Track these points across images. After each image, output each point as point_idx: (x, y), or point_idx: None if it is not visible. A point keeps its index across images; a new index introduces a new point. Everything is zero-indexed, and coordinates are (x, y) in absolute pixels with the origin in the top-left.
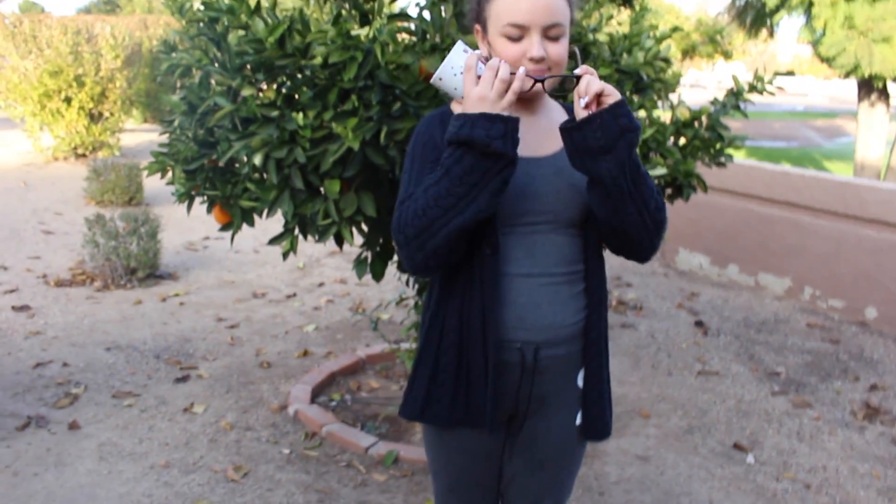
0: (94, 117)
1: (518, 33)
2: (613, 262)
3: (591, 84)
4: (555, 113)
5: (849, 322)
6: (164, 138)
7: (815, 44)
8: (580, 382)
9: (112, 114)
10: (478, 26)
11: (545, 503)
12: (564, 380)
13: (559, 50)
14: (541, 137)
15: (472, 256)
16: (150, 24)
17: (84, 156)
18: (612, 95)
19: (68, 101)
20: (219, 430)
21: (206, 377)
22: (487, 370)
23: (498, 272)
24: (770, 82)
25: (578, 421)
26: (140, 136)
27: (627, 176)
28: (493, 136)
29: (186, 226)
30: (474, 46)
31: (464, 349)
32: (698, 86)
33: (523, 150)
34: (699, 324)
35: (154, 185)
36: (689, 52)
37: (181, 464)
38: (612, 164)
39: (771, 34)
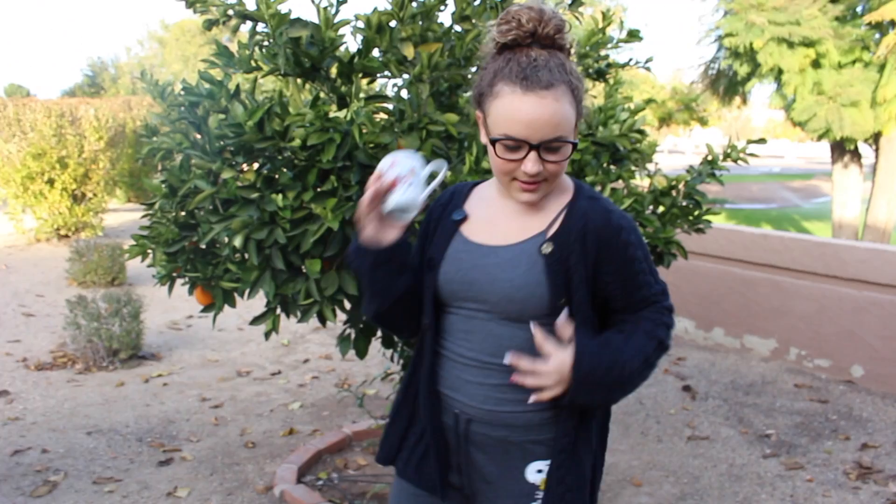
0: (77, 198)
1: (514, 145)
2: None
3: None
4: (549, 199)
5: (836, 381)
6: (146, 222)
7: (787, 109)
8: (530, 477)
9: (95, 194)
10: (479, 113)
11: None
12: (507, 466)
13: (558, 161)
14: (506, 225)
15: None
16: (133, 105)
17: (67, 237)
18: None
19: (51, 182)
20: None
21: (189, 459)
22: (433, 431)
23: (438, 346)
24: (744, 150)
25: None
26: (123, 215)
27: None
28: (352, 245)
29: (169, 305)
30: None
31: (421, 408)
32: (676, 151)
33: (479, 234)
34: (687, 388)
35: (137, 265)
36: (665, 120)
37: None
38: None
39: (744, 101)
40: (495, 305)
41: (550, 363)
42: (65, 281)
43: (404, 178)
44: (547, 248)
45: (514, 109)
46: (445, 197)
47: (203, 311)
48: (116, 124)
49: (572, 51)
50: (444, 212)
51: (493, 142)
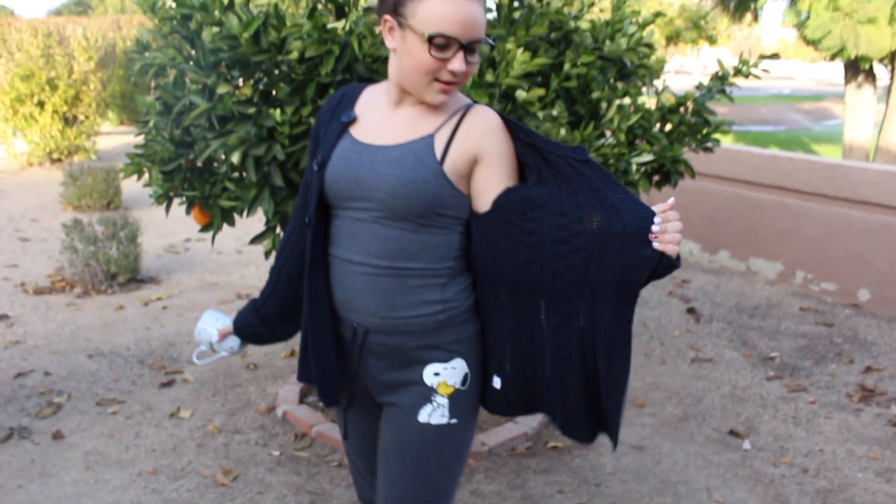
0: (68, 121)
1: (445, 43)
2: None
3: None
4: (437, 108)
5: (842, 305)
6: (141, 140)
7: (800, 27)
8: (427, 380)
9: (87, 117)
10: (389, 18)
11: (395, 497)
12: (405, 371)
13: (475, 63)
14: (396, 127)
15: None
16: (123, 24)
17: (59, 160)
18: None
19: (41, 105)
20: (206, 435)
21: (191, 381)
22: (322, 339)
23: (326, 251)
24: (755, 65)
25: (423, 418)
26: (116, 138)
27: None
28: None
29: (167, 228)
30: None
31: (308, 318)
32: (683, 72)
33: (368, 135)
34: (691, 311)
35: (132, 188)
36: (673, 39)
37: (169, 470)
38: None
39: (755, 18)
40: (381, 203)
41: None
42: (59, 205)
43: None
44: (435, 147)
45: (450, 9)
46: (336, 99)
47: (201, 230)
48: (106, 44)
49: None
50: (333, 114)
51: (429, 39)
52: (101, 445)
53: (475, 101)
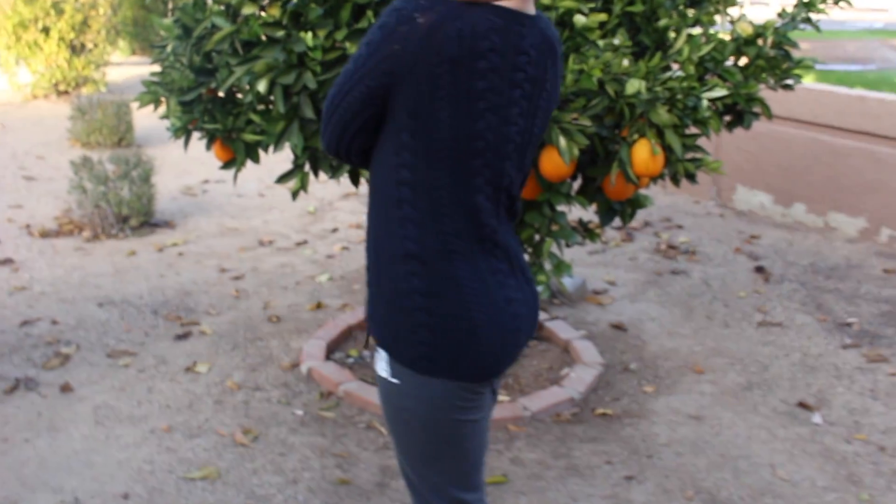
0: (75, 49)
1: None
2: (661, 202)
3: None
4: None
5: None
6: (155, 68)
7: None
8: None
9: (96, 45)
10: None
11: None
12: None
13: None
14: None
15: None
16: None
17: (66, 93)
18: None
19: (46, 31)
20: (225, 391)
21: (209, 333)
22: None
23: None
24: None
25: (379, 369)
26: (128, 69)
27: None
28: None
29: (183, 168)
30: None
31: None
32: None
33: None
34: (760, 270)
35: (146, 123)
36: None
37: (184, 427)
38: None
39: None
40: None
41: None
42: (67, 141)
43: None
44: None
45: None
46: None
47: (222, 168)
48: None
49: None
50: None
51: None
52: (111, 400)
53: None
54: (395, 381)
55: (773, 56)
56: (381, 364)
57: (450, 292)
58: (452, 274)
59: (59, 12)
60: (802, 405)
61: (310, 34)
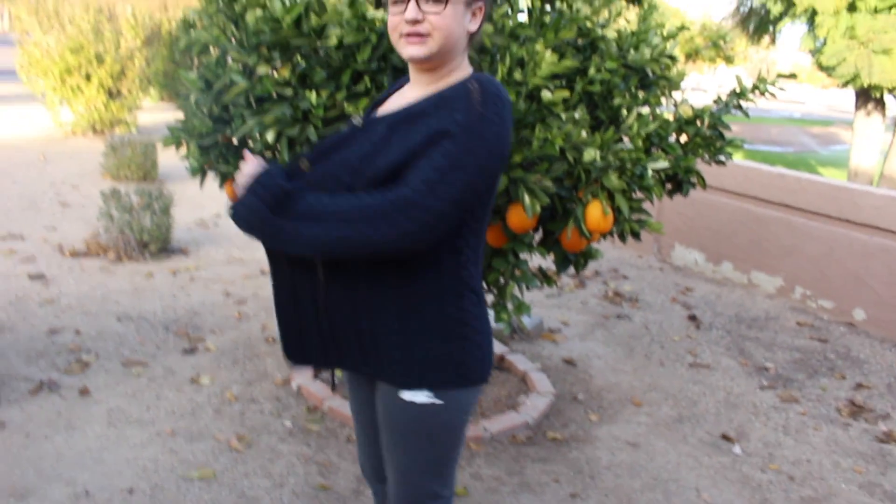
0: (112, 94)
1: None
2: (611, 255)
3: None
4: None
5: (837, 322)
6: (180, 115)
7: (816, 52)
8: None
9: (130, 91)
10: None
11: (390, 470)
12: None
13: (437, 11)
14: (395, 105)
15: None
16: (169, 6)
17: (102, 132)
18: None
19: (88, 77)
20: (223, 401)
21: (213, 350)
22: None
23: None
24: (773, 83)
25: (408, 396)
26: (156, 114)
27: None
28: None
29: (198, 203)
30: None
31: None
32: (699, 89)
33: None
34: (692, 318)
35: (168, 162)
36: (692, 56)
37: (186, 432)
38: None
39: (773, 41)
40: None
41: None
42: (99, 174)
43: None
44: (358, 122)
45: None
46: (382, 97)
47: None
48: (152, 24)
49: None
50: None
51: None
52: (124, 404)
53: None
54: (439, 402)
55: (708, 135)
56: (420, 394)
57: (485, 312)
58: (483, 297)
59: (101, 62)
60: (725, 437)
61: (314, 93)
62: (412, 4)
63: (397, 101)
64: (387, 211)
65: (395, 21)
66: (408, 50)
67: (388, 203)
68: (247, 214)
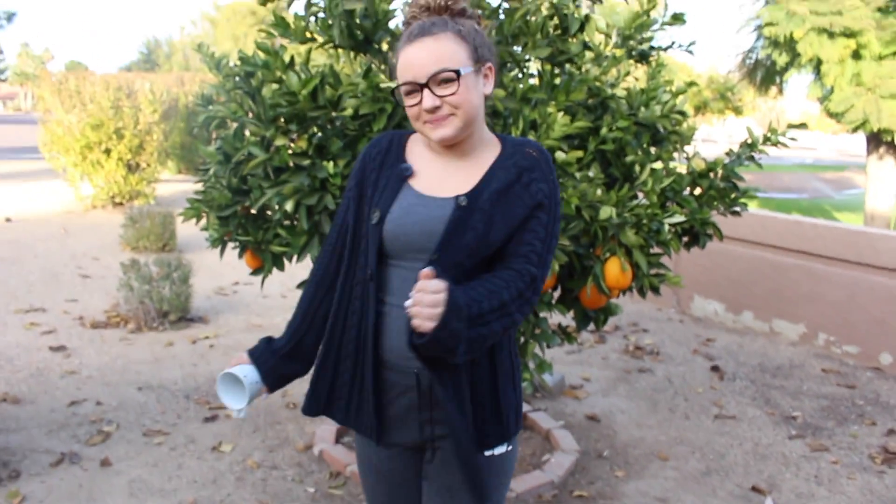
0: (131, 168)
1: (413, 89)
2: (630, 309)
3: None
4: (484, 153)
5: (863, 367)
6: (198, 187)
7: (824, 100)
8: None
9: (149, 164)
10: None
11: None
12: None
13: (452, 92)
14: (451, 177)
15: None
16: (186, 80)
17: (121, 204)
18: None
19: (108, 152)
20: (245, 469)
21: (233, 417)
22: (374, 390)
23: (381, 300)
24: (784, 134)
25: (489, 452)
26: (174, 186)
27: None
28: None
29: (217, 271)
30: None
31: (357, 367)
32: (710, 140)
33: (425, 187)
34: (715, 369)
35: (186, 232)
36: (700, 109)
37: (209, 501)
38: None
39: (780, 91)
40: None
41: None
42: (119, 245)
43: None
44: (462, 201)
45: (402, 61)
46: (383, 144)
47: (252, 274)
48: (170, 98)
49: (474, 13)
50: (384, 160)
51: (398, 93)
52: (145, 474)
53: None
54: (510, 448)
55: (722, 187)
56: (500, 448)
57: None
58: None
59: (120, 137)
60: (755, 489)
61: (331, 163)
62: (427, 94)
63: (447, 173)
64: (526, 294)
65: (415, 111)
66: (436, 133)
67: (525, 286)
68: (448, 339)
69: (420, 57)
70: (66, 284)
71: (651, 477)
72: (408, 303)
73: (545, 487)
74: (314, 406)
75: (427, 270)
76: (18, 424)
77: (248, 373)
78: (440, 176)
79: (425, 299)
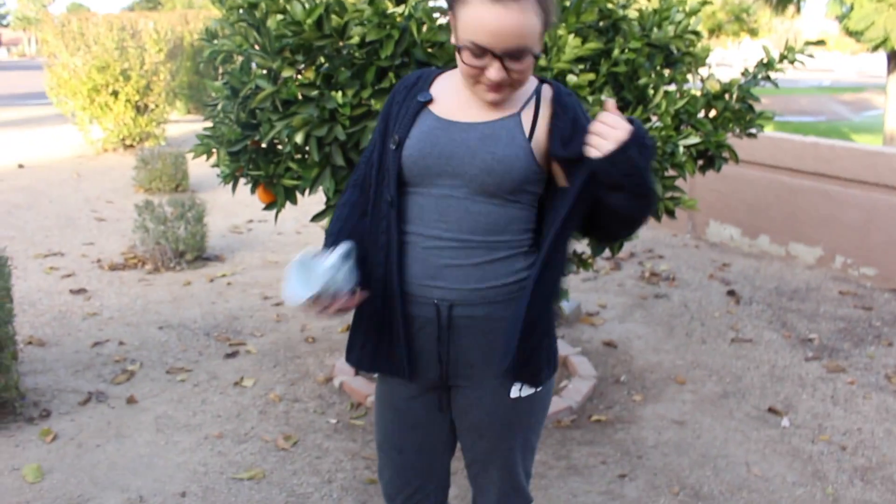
0: (140, 109)
1: (478, 52)
2: (645, 236)
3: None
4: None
5: (881, 289)
6: (208, 124)
7: (843, 18)
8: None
9: (157, 105)
10: (450, 14)
11: (491, 470)
12: (490, 347)
13: (522, 68)
14: (479, 105)
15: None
16: (190, 18)
17: (132, 146)
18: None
19: (115, 94)
20: (268, 402)
21: (254, 352)
22: (403, 322)
23: (403, 230)
24: (801, 51)
25: (515, 394)
26: (184, 126)
27: (634, 200)
28: None
29: (231, 210)
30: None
31: (385, 301)
32: (724, 64)
33: (446, 111)
34: (731, 293)
35: (199, 172)
36: (715, 31)
37: (234, 434)
38: (622, 197)
39: (798, 10)
40: (473, 179)
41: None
42: (132, 188)
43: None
44: (523, 125)
45: (481, 18)
46: (411, 80)
47: (265, 209)
48: (175, 37)
49: None
50: (408, 94)
51: (463, 47)
52: (170, 410)
53: (543, 80)
54: (539, 389)
55: (738, 109)
56: (525, 387)
57: None
58: None
59: (127, 78)
60: (772, 411)
61: (340, 93)
62: (497, 67)
63: (471, 100)
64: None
65: (474, 72)
66: (489, 97)
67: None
68: (642, 161)
69: (504, 26)
70: (82, 228)
71: (668, 400)
72: (593, 126)
73: (563, 413)
74: (348, 354)
75: (611, 102)
76: (45, 366)
77: (338, 252)
78: (463, 102)
79: (608, 121)
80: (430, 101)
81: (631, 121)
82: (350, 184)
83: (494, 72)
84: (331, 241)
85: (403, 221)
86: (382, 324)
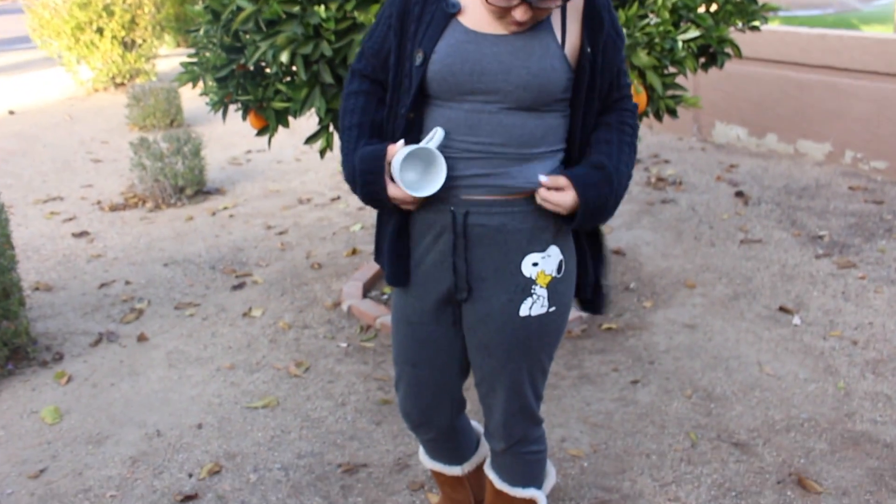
0: (127, 45)
1: None
2: (650, 140)
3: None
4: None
5: (892, 182)
6: (194, 49)
7: None
8: (526, 270)
9: (144, 40)
10: None
11: (498, 390)
12: (505, 258)
13: (549, 7)
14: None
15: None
16: None
17: (122, 84)
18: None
19: (100, 31)
20: (277, 331)
21: (260, 282)
22: (420, 228)
23: (418, 142)
24: None
25: (524, 311)
26: (174, 60)
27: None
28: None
29: (229, 142)
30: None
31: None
32: None
33: (476, 22)
34: (739, 194)
35: (193, 106)
36: None
37: (245, 364)
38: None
39: None
40: (508, 95)
41: (566, 195)
42: (126, 126)
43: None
44: (555, 32)
45: None
46: None
47: (258, 134)
48: None
49: None
50: (425, 1)
51: None
52: (181, 345)
53: None
54: (552, 308)
55: (740, 1)
56: (536, 305)
57: None
58: None
59: (110, 14)
60: (783, 309)
61: (323, 7)
62: (524, 8)
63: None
64: (636, 144)
65: (500, 11)
66: (511, 29)
67: (635, 133)
68: (597, 211)
69: None
70: (79, 171)
71: (679, 305)
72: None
73: (574, 323)
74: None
75: (544, 179)
76: (54, 310)
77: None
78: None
79: (550, 199)
80: (460, 11)
81: (575, 182)
82: (354, 72)
83: (520, 13)
84: (354, 133)
85: (422, 133)
86: (400, 229)
